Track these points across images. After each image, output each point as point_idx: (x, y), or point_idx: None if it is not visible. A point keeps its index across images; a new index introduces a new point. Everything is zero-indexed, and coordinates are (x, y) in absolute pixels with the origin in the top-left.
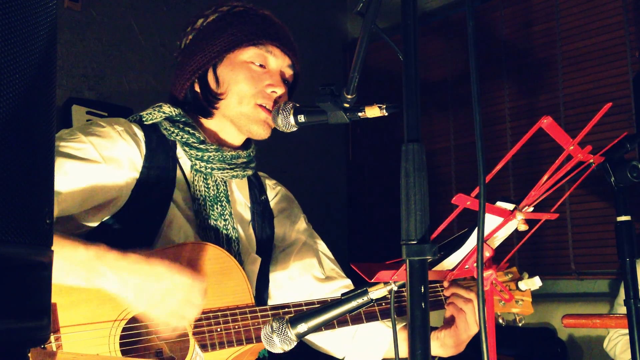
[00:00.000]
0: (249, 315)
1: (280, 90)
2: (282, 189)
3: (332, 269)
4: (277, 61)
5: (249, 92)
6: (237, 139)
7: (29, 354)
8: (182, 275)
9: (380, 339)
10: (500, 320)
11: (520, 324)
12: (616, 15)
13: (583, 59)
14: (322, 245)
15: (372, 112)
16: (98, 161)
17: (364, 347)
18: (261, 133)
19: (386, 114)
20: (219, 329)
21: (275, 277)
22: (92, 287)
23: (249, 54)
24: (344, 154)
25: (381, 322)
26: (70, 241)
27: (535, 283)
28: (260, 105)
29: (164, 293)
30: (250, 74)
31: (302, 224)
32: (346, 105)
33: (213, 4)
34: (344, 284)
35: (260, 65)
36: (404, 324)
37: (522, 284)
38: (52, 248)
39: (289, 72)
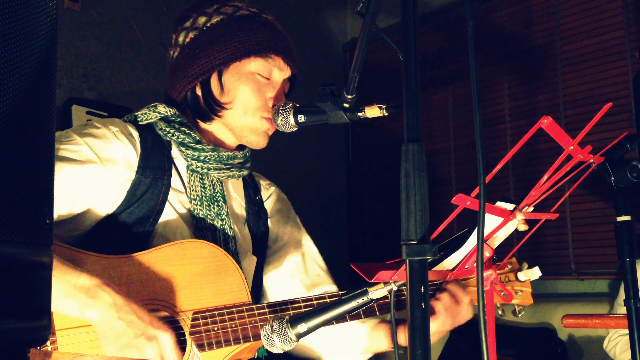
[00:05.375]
0: (245, 314)
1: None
2: (275, 189)
3: (317, 275)
4: (281, 74)
5: (255, 105)
6: (232, 143)
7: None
8: (160, 328)
9: (356, 338)
10: (500, 312)
11: (519, 315)
12: (616, 15)
13: (583, 59)
14: (311, 249)
15: (372, 112)
16: (95, 162)
17: (341, 347)
18: (260, 143)
19: (386, 114)
20: (215, 328)
21: (266, 279)
22: (83, 318)
23: (256, 65)
24: (344, 154)
25: (359, 321)
26: (73, 269)
27: (534, 273)
28: (264, 117)
29: (134, 333)
30: (257, 86)
31: (294, 226)
32: (346, 105)
33: (213, 1)
34: (327, 290)
35: (265, 77)
36: (378, 320)
37: (522, 275)
38: (53, 274)
39: (287, 84)
